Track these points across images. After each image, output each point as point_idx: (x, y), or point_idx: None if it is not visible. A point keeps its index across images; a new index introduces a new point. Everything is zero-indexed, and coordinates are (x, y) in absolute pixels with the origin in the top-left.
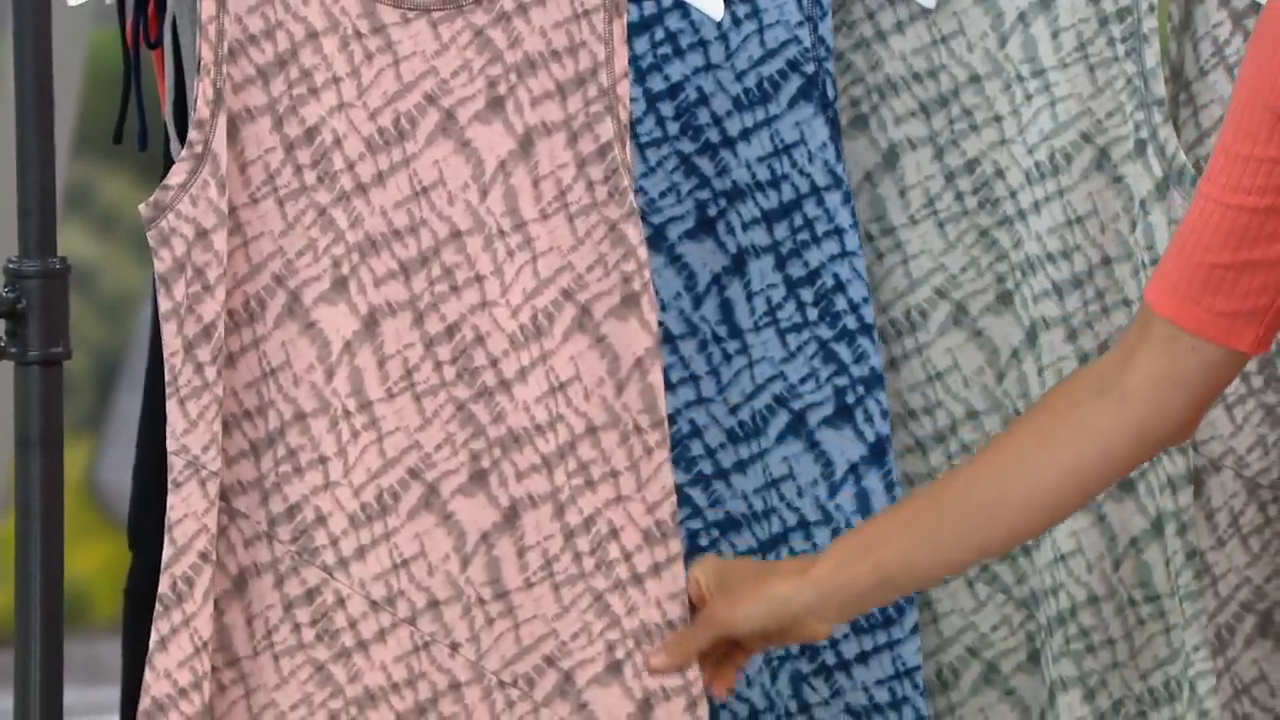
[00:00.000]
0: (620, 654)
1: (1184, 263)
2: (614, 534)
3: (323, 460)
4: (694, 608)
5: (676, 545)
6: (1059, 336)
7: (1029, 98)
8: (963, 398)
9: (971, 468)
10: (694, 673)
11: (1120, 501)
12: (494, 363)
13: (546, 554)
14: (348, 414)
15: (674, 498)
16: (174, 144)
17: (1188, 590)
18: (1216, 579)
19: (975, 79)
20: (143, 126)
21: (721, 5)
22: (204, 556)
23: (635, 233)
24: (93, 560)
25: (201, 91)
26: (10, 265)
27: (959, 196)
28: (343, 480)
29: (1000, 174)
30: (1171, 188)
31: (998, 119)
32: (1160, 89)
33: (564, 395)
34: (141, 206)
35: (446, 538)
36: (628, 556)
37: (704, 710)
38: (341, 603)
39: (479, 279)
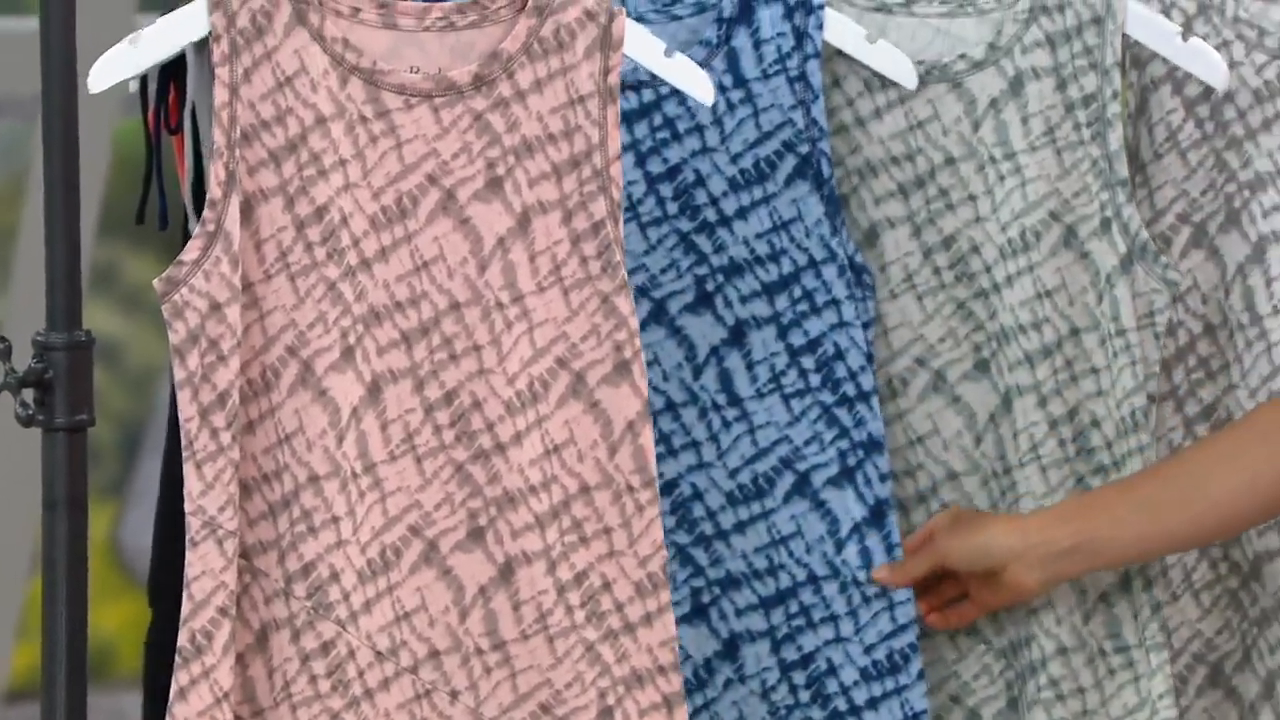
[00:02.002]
0: (611, 700)
1: None
2: (607, 586)
3: (335, 520)
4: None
5: (666, 596)
6: (1031, 403)
7: (1001, 179)
8: (943, 460)
9: (1176, 462)
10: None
11: None
12: (490, 427)
13: (541, 607)
14: (355, 476)
15: (664, 551)
16: (193, 223)
17: (1154, 641)
18: (1170, 632)
19: (950, 161)
20: (163, 207)
21: (712, 92)
22: (222, 611)
23: (626, 304)
24: (116, 617)
25: (214, 173)
26: (38, 338)
27: (936, 271)
28: (352, 538)
29: (975, 250)
30: (1135, 262)
31: (972, 198)
32: (1123, 170)
33: (558, 457)
34: (156, 281)
35: (446, 591)
36: (620, 608)
37: None
38: (352, 654)
39: (477, 348)
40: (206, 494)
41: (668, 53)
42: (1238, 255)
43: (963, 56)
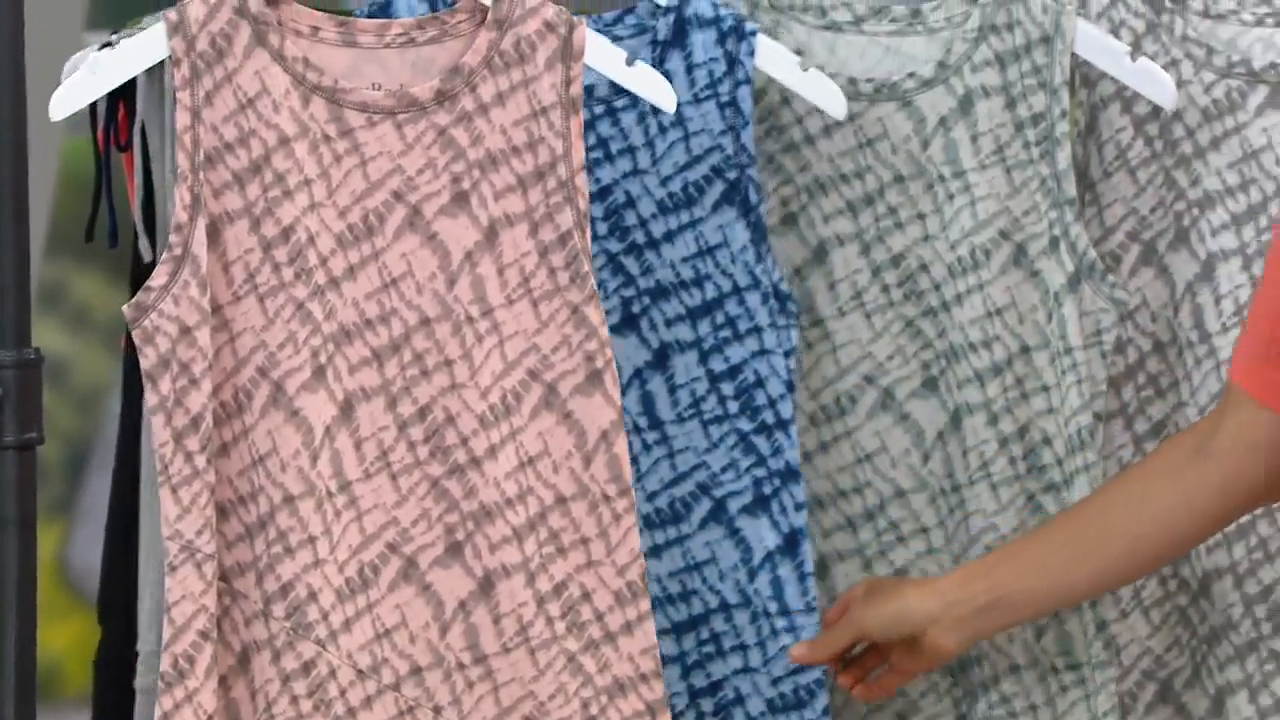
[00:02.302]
0: (594, 710)
1: (1252, 333)
2: (586, 597)
3: (311, 540)
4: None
5: (646, 603)
6: (981, 421)
7: (950, 197)
8: (890, 477)
9: (1086, 507)
10: None
11: None
12: (465, 441)
13: (521, 620)
14: (330, 495)
15: (643, 560)
16: (142, 241)
17: (1098, 659)
18: (1120, 649)
19: (899, 179)
20: (113, 225)
21: (674, 100)
22: (204, 635)
23: (596, 314)
24: (64, 636)
25: (179, 197)
26: None
27: (885, 289)
28: (329, 557)
29: (924, 268)
30: (1082, 281)
31: (921, 216)
32: (1071, 189)
33: (533, 469)
34: (125, 308)
35: (425, 607)
36: (600, 617)
37: None
38: (333, 673)
39: (448, 363)
40: (183, 518)
41: (629, 61)
42: (1187, 273)
43: (912, 75)
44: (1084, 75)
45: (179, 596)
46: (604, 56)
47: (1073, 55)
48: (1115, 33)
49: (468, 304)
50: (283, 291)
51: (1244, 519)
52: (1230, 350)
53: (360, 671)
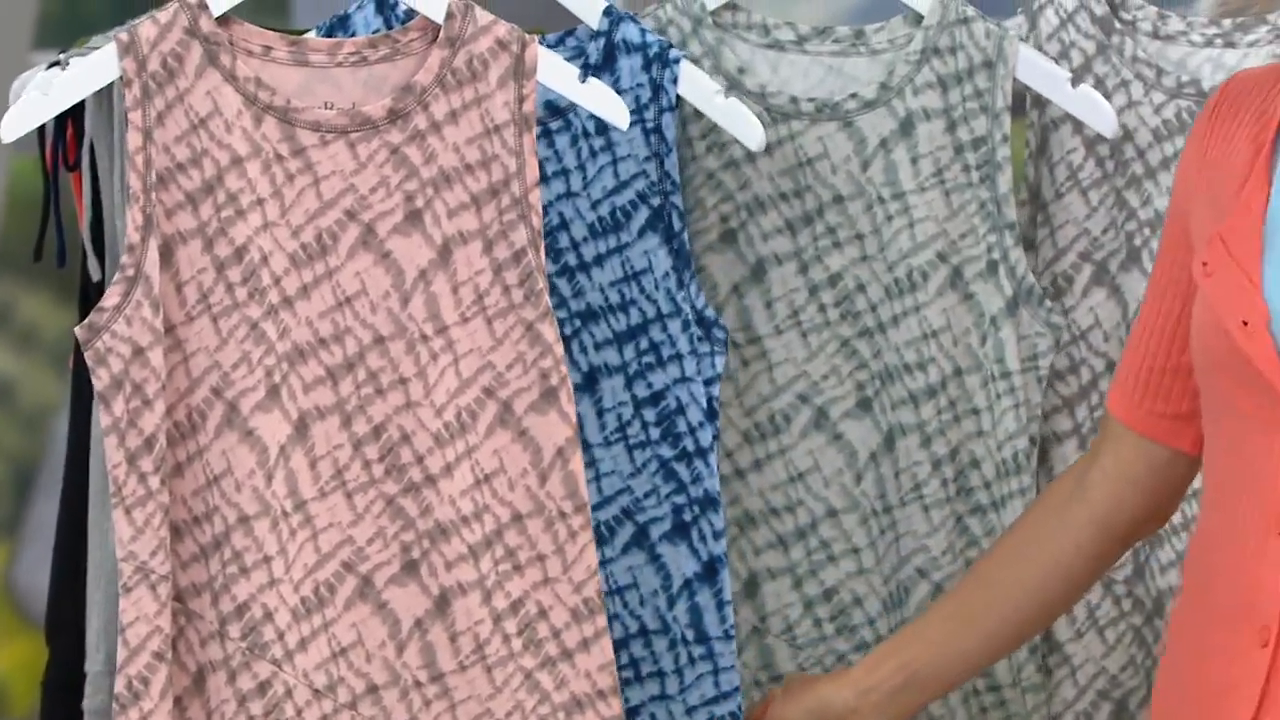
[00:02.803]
0: None
1: (1129, 365)
2: (543, 614)
3: (267, 559)
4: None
5: (603, 620)
6: (915, 442)
7: (889, 218)
8: (823, 497)
9: (980, 566)
10: None
11: None
12: (420, 459)
13: (478, 638)
14: (285, 514)
15: (599, 576)
16: (91, 261)
17: (1030, 683)
18: (1075, 669)
19: (839, 199)
20: (61, 245)
21: (627, 116)
22: (158, 656)
23: (551, 331)
24: (10, 658)
25: (131, 218)
26: None
27: (822, 309)
28: (285, 577)
29: (861, 288)
30: (1020, 306)
31: (859, 237)
32: (1012, 213)
33: (489, 487)
34: (77, 329)
35: (381, 626)
36: (556, 634)
37: None
38: (289, 693)
39: (403, 381)
40: (137, 539)
41: (581, 78)
42: (1139, 293)
43: (854, 95)
44: (1035, 96)
45: (133, 618)
46: (557, 73)
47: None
48: (1065, 54)
49: (422, 322)
50: (236, 311)
51: None
52: None
53: (317, 691)
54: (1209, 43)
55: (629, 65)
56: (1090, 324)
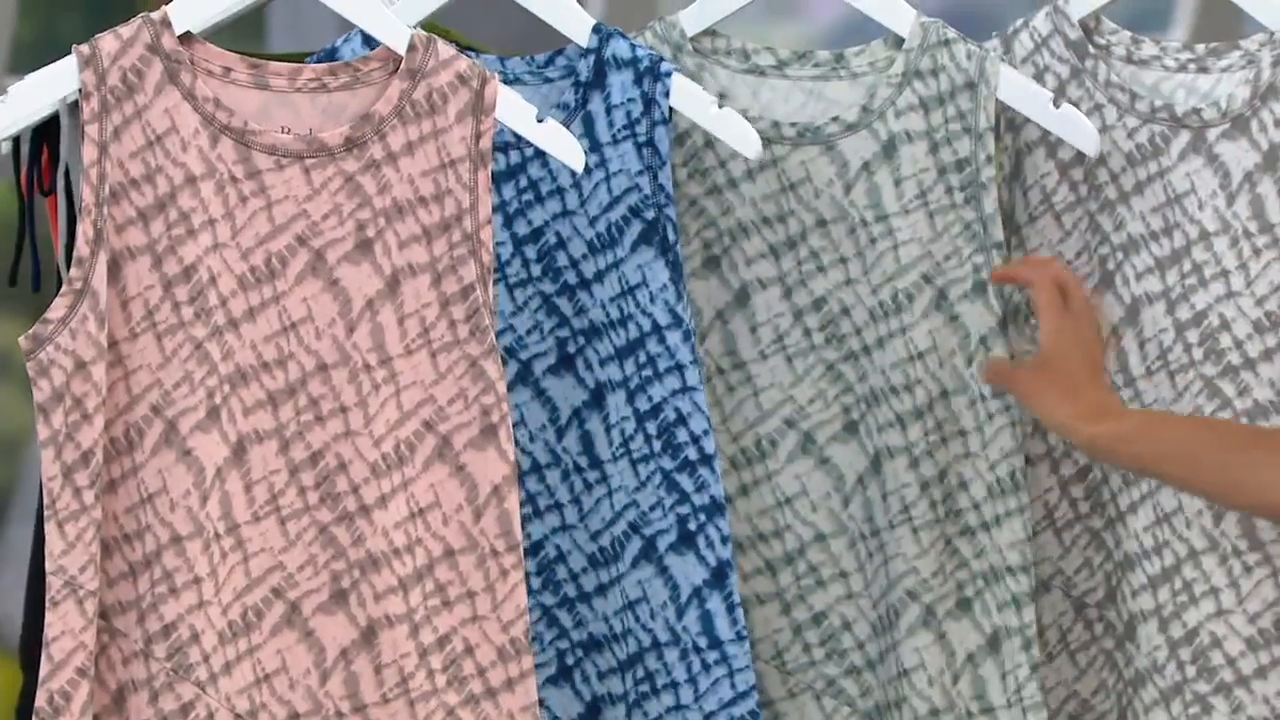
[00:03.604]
0: None
1: None
2: (469, 651)
3: (197, 581)
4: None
5: (529, 661)
6: (903, 464)
7: (873, 241)
8: (810, 521)
9: (1248, 433)
10: None
11: (958, 620)
12: (355, 489)
13: (403, 671)
14: (218, 536)
15: (528, 616)
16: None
17: (1031, 701)
18: (1046, 692)
19: (822, 223)
20: (36, 269)
21: (583, 159)
22: (81, 672)
23: (495, 369)
24: None
25: (82, 231)
26: None
27: (807, 333)
28: (214, 599)
29: (846, 312)
30: (1009, 325)
31: (843, 260)
32: (999, 233)
33: (423, 520)
34: (21, 339)
35: (307, 654)
36: (482, 672)
37: None
38: (211, 716)
39: (343, 410)
40: (68, 553)
41: (539, 118)
42: (1112, 317)
43: (835, 119)
44: (1009, 120)
45: (59, 632)
46: (515, 112)
47: (998, 101)
48: (1040, 78)
49: (366, 352)
50: (181, 330)
51: (1169, 563)
52: (1155, 394)
53: (239, 716)
54: (1182, 67)
55: (620, 80)
56: None
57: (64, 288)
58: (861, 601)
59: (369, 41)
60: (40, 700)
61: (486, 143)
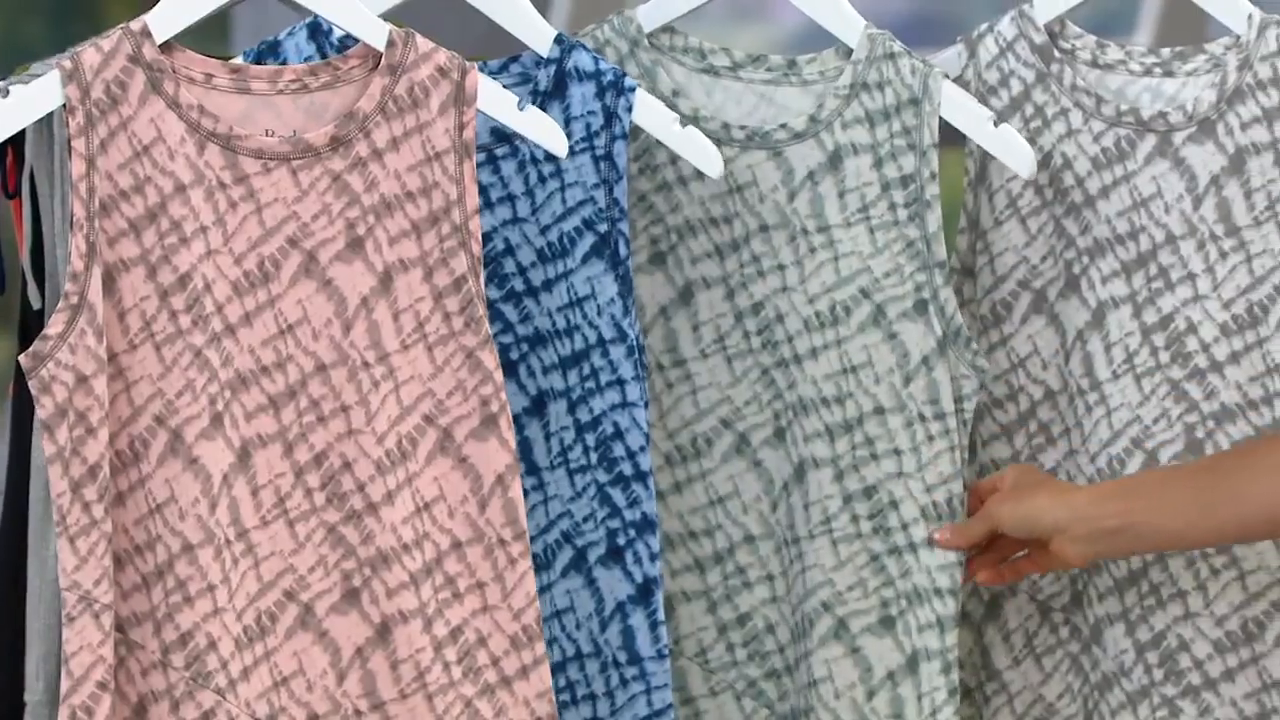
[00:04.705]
0: None
1: None
2: (482, 641)
3: (210, 588)
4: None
5: (541, 648)
6: (827, 476)
7: (812, 250)
8: (741, 522)
9: (1232, 456)
10: None
11: (880, 637)
12: (361, 487)
13: (419, 666)
14: (228, 542)
15: (538, 603)
16: (31, 289)
17: None
18: (1012, 696)
19: (764, 228)
20: (1, 272)
21: (566, 145)
22: (102, 686)
23: (491, 358)
24: None
25: (75, 245)
26: None
27: (746, 335)
28: (228, 605)
29: (780, 319)
30: (949, 347)
31: (781, 267)
32: (942, 252)
33: (429, 515)
34: (21, 357)
35: (323, 654)
36: (496, 661)
37: None
38: None
39: (344, 409)
40: (81, 568)
41: (520, 106)
42: (1077, 321)
43: (784, 126)
44: None
45: (77, 647)
46: (496, 101)
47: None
48: (1005, 82)
49: (363, 349)
50: (180, 339)
51: (1135, 566)
52: (1121, 399)
53: None
54: (1148, 71)
55: (581, 93)
56: (1029, 352)
57: (60, 303)
58: (784, 606)
59: (314, 35)
60: (63, 716)
61: (470, 134)
